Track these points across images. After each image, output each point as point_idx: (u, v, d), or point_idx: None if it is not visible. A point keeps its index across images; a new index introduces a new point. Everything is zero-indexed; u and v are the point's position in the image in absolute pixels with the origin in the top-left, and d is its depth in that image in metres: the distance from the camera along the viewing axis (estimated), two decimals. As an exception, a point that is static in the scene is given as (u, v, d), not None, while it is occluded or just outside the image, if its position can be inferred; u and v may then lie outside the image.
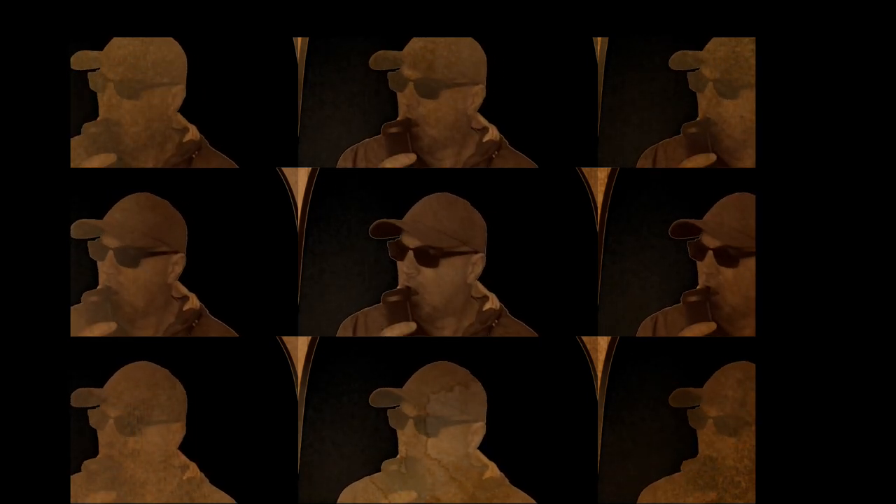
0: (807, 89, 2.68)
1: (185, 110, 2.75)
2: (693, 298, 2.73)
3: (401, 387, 2.70)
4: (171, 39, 2.75)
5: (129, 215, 2.71)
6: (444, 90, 2.73)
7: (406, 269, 2.71)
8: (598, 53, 2.77)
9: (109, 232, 2.70)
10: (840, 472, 2.62)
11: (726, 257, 2.71)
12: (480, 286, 2.73)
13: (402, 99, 2.75)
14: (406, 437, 2.68)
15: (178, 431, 2.69)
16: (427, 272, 2.70)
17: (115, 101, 2.74)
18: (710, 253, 2.71)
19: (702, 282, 2.73)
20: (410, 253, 2.70)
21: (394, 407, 2.68)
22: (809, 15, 2.69)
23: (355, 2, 2.74)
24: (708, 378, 2.72)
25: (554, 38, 2.76)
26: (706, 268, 2.72)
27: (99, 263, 2.71)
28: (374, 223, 2.69)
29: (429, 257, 2.70)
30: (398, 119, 2.75)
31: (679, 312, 2.74)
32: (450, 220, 2.71)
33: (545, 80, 2.77)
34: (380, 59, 2.73)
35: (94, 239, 2.70)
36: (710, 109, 2.75)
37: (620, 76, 2.78)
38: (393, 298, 2.72)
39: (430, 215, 2.71)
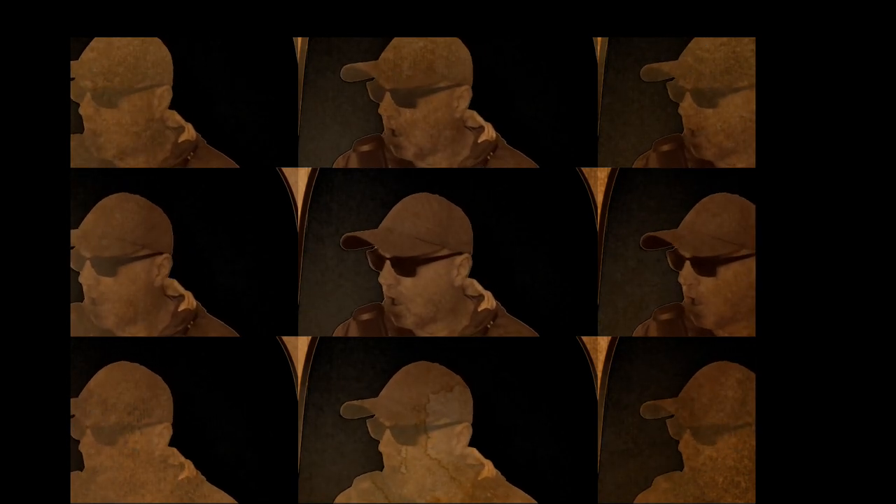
0: (806, 89, 2.68)
1: (184, 111, 2.75)
2: (665, 316, 2.72)
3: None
4: (154, 39, 2.73)
5: (102, 221, 2.68)
6: (421, 98, 2.71)
7: (385, 280, 2.67)
8: (598, 53, 2.77)
9: (82, 242, 2.67)
10: (840, 473, 2.63)
11: (703, 266, 2.69)
12: (476, 285, 2.72)
13: (382, 109, 2.73)
14: (385, 446, 2.67)
15: (164, 433, 2.68)
16: (406, 281, 2.67)
17: (92, 110, 2.71)
18: (687, 263, 2.69)
19: (684, 292, 2.71)
20: (388, 263, 2.67)
21: (371, 416, 2.67)
22: (809, 15, 2.69)
23: (355, 2, 2.74)
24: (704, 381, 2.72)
25: (554, 38, 2.76)
26: (686, 278, 2.69)
27: (80, 274, 2.69)
28: (343, 237, 2.67)
29: (405, 266, 2.67)
30: (381, 133, 2.74)
31: (679, 312, 2.74)
32: (423, 223, 2.68)
33: (545, 80, 2.77)
34: (349, 72, 2.71)
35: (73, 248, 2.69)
36: (691, 120, 2.74)
37: (620, 76, 2.78)
38: (365, 317, 2.70)
39: (403, 220, 2.67)
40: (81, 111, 2.72)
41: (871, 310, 2.64)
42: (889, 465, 2.62)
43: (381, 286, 2.72)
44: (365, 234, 2.66)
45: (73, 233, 2.67)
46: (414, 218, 2.68)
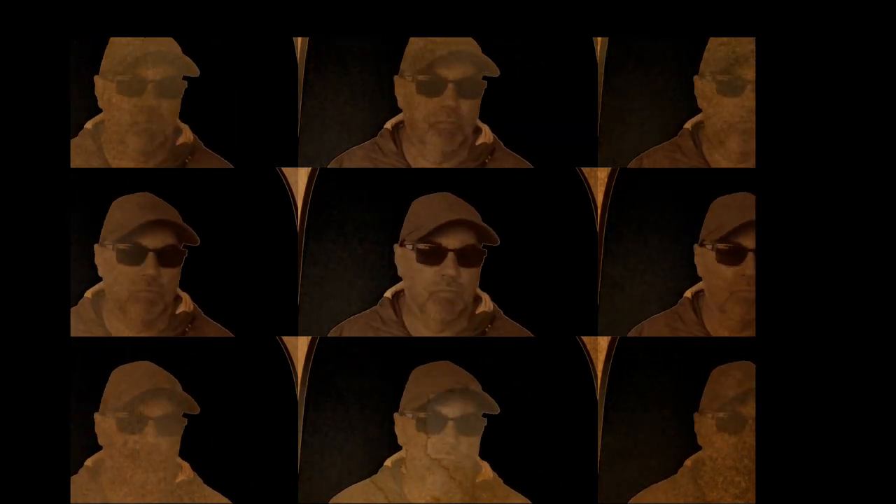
0: (806, 89, 2.68)
1: (183, 111, 2.75)
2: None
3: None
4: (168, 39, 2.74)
5: (147, 213, 2.68)
6: (478, 87, 2.72)
7: (450, 270, 2.64)
8: (598, 53, 2.77)
9: (140, 236, 2.65)
10: (840, 472, 2.63)
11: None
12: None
13: (434, 104, 2.71)
14: (442, 440, 2.65)
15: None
16: (465, 273, 2.68)
17: (153, 102, 2.70)
18: (751, 255, 2.68)
19: (736, 286, 2.68)
20: (451, 255, 2.67)
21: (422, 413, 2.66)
22: (809, 15, 2.69)
23: (355, 2, 2.74)
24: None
25: (554, 38, 2.76)
26: (747, 269, 2.68)
27: (126, 269, 2.66)
28: (446, 221, 2.64)
29: (476, 257, 2.67)
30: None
31: (668, 320, 2.74)
32: (476, 217, 2.69)
33: (545, 80, 2.77)
34: (414, 62, 2.70)
35: (130, 244, 2.67)
36: (748, 112, 2.73)
37: (620, 76, 2.78)
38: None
39: (464, 212, 2.68)
40: (141, 104, 2.69)
41: (871, 310, 2.64)
42: (889, 465, 2.62)
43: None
44: (473, 220, 2.65)
45: (114, 230, 2.66)
46: (473, 211, 2.67)
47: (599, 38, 2.77)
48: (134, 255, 2.65)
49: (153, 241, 2.65)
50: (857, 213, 2.66)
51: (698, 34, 2.75)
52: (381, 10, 2.74)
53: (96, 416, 2.66)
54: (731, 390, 2.68)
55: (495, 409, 2.65)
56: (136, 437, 2.63)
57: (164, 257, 2.65)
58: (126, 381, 2.66)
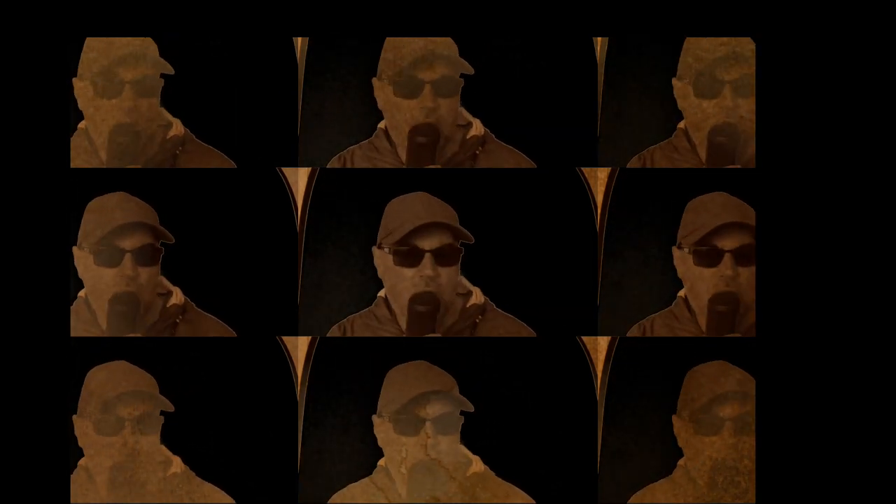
0: (806, 90, 2.68)
1: (183, 111, 2.75)
2: (723, 308, 2.70)
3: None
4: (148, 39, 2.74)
5: (121, 214, 2.68)
6: (456, 86, 2.72)
7: (427, 272, 2.67)
8: (598, 53, 2.77)
9: (116, 237, 2.67)
10: (840, 473, 2.62)
11: (744, 257, 2.69)
12: (465, 281, 2.72)
13: (413, 106, 2.72)
14: (420, 440, 2.66)
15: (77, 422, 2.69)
16: (444, 272, 2.68)
17: (130, 103, 2.71)
18: (728, 255, 2.68)
19: (718, 288, 2.69)
20: (428, 256, 2.68)
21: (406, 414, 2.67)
22: (809, 15, 2.69)
23: (355, 2, 2.74)
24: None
25: (554, 38, 2.76)
26: (726, 270, 2.69)
27: (105, 271, 2.68)
28: (418, 225, 2.66)
29: (454, 256, 2.68)
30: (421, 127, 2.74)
31: (665, 319, 2.74)
32: (452, 214, 2.70)
33: (545, 80, 2.77)
34: (389, 68, 2.71)
35: (106, 246, 2.67)
36: (728, 113, 2.73)
37: (620, 76, 2.78)
38: (422, 308, 2.70)
39: (442, 212, 2.68)
40: (113, 106, 2.70)
41: (871, 310, 2.64)
42: (889, 465, 2.62)
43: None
44: (448, 222, 2.66)
45: (91, 232, 2.67)
46: (449, 211, 2.68)
47: (599, 38, 2.77)
48: (111, 257, 2.66)
49: (130, 241, 2.66)
50: (857, 212, 2.66)
51: (698, 34, 2.75)
52: (381, 10, 2.74)
53: (74, 419, 2.66)
54: (706, 392, 2.68)
55: (470, 408, 2.66)
56: (115, 439, 2.64)
57: (142, 257, 2.66)
58: (108, 381, 2.66)
